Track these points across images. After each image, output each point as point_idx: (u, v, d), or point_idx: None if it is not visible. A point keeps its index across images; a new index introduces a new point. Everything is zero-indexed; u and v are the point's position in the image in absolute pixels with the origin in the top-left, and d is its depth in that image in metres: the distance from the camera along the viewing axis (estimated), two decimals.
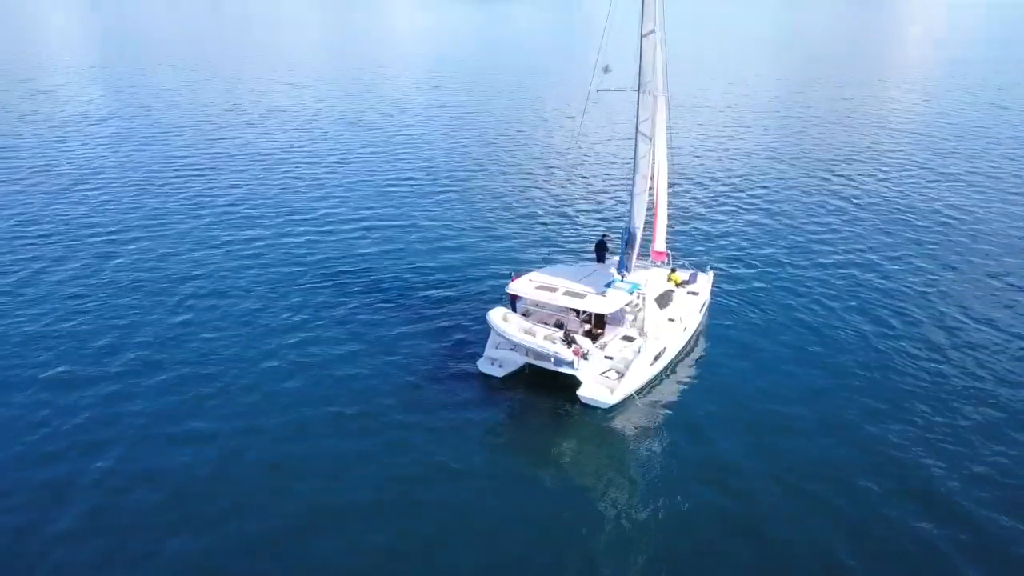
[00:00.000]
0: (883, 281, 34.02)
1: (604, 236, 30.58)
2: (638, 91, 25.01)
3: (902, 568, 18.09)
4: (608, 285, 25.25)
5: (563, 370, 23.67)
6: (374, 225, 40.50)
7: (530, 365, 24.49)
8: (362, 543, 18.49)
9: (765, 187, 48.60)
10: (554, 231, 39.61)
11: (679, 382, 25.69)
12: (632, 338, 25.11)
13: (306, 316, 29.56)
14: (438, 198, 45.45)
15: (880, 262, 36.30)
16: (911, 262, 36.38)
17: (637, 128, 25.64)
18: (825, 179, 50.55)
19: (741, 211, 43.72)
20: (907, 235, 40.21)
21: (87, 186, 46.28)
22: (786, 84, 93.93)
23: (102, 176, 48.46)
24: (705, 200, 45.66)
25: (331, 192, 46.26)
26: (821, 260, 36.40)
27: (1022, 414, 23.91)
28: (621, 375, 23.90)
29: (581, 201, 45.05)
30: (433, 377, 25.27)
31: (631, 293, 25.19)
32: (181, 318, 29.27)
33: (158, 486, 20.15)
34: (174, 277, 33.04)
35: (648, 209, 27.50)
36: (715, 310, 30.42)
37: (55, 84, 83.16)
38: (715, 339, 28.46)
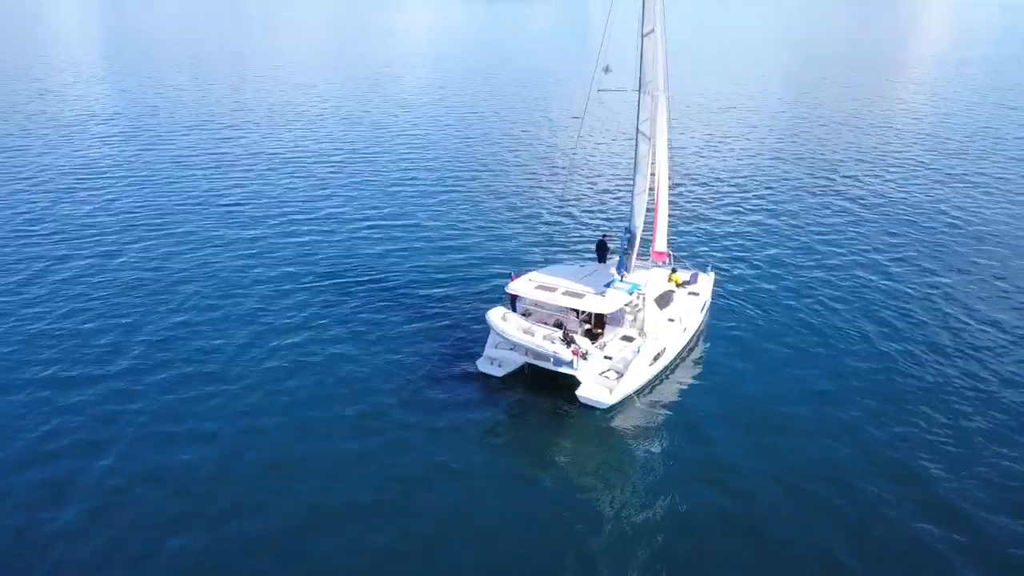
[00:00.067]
0: (888, 282, 33.90)
1: (604, 236, 30.55)
2: (638, 91, 24.99)
3: (902, 569, 18.04)
4: (608, 285, 25.23)
5: (562, 370, 23.66)
6: (378, 224, 40.56)
7: (529, 365, 24.49)
8: (362, 543, 18.51)
9: (770, 187, 48.50)
10: (556, 231, 39.60)
11: (679, 382, 25.65)
12: (632, 338, 25.09)
13: (308, 315, 29.63)
14: (442, 198, 45.50)
15: (885, 263, 36.16)
16: (916, 263, 36.23)
17: (638, 128, 25.62)
18: (830, 179, 50.41)
19: (745, 211, 43.64)
20: (913, 236, 40.04)
21: (92, 185, 46.47)
22: (792, 84, 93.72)
23: (107, 175, 48.66)
24: (709, 200, 45.58)
25: (336, 191, 46.35)
26: (825, 261, 36.28)
27: None
28: (620, 375, 23.88)
29: (583, 201, 45.03)
30: (433, 377, 25.29)
31: (631, 293, 25.17)
32: (183, 317, 29.36)
33: (158, 485, 20.21)
34: (177, 276, 33.16)
35: (649, 209, 27.48)
36: (717, 311, 30.37)
37: (62, 84, 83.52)
38: (716, 339, 28.41)
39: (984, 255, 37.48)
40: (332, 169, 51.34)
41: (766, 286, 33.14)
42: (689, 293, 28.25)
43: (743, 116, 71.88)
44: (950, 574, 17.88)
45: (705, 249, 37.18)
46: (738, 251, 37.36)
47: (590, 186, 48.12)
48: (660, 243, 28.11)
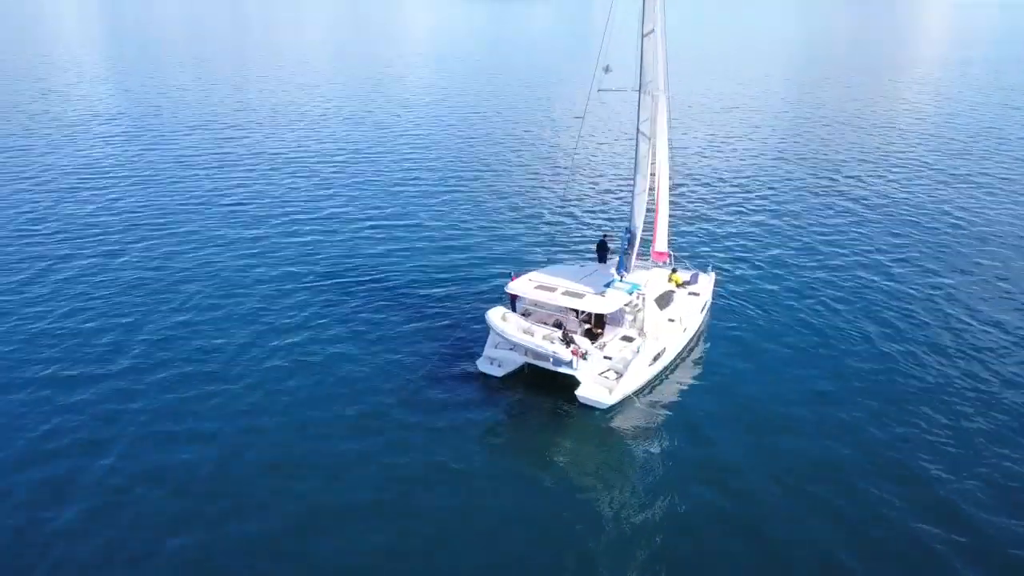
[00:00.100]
0: (890, 283, 33.82)
1: (605, 236, 30.54)
2: (639, 91, 24.98)
3: (902, 570, 18.00)
4: (608, 285, 25.22)
5: (562, 370, 23.65)
6: (380, 224, 40.59)
7: (529, 365, 24.49)
8: (362, 543, 18.51)
9: (772, 188, 48.43)
10: (558, 231, 39.60)
11: (679, 382, 25.63)
12: (631, 338, 25.07)
13: (309, 315, 29.66)
14: (444, 197, 45.53)
15: (888, 264, 36.07)
16: (919, 264, 36.13)
17: (638, 128, 25.61)
18: (833, 180, 50.32)
19: (747, 212, 43.59)
20: (915, 237, 39.94)
21: (95, 185, 46.58)
22: (794, 84, 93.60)
23: (110, 175, 48.76)
24: (711, 200, 45.53)
25: (338, 191, 46.41)
26: (827, 261, 36.20)
27: None
28: (620, 375, 23.87)
29: (585, 201, 45.02)
30: (433, 377, 25.29)
31: (630, 293, 25.15)
32: (184, 316, 29.41)
33: (159, 484, 20.23)
34: (179, 276, 33.21)
35: (649, 209, 27.46)
36: (719, 311, 30.34)
37: (66, 83, 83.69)
38: (717, 340, 28.38)
39: (987, 256, 37.38)
40: (335, 169, 51.40)
41: (768, 286, 33.10)
42: (689, 293, 28.21)
43: (746, 116, 71.81)
44: (950, 575, 17.84)
45: (707, 249, 37.14)
46: (740, 251, 37.32)
47: (592, 186, 48.11)
48: (660, 243, 28.09)
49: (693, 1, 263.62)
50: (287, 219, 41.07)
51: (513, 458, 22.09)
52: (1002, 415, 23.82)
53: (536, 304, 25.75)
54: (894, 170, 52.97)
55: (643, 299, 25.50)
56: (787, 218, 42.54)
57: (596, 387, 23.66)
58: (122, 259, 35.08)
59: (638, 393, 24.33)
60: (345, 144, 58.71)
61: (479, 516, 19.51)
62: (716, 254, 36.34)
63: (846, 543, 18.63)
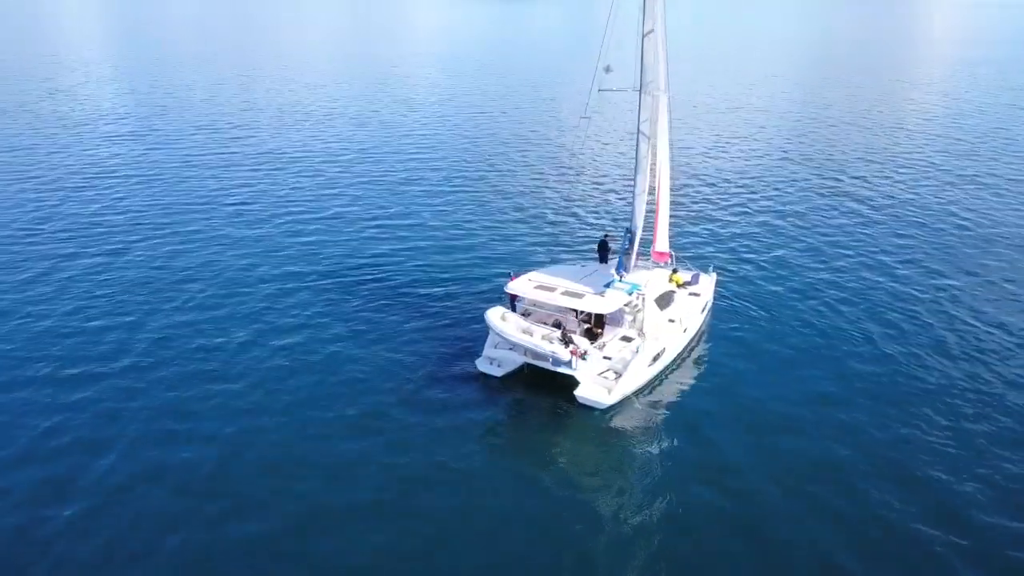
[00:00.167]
0: (895, 284, 33.67)
1: (606, 236, 30.52)
2: (639, 91, 24.97)
3: (902, 571, 17.97)
4: (607, 285, 25.21)
5: (561, 370, 23.66)
6: (384, 224, 40.65)
7: (529, 365, 24.50)
8: (362, 543, 18.55)
9: (777, 188, 48.30)
10: (561, 231, 39.61)
11: (679, 383, 25.61)
12: (631, 339, 25.05)
13: (311, 315, 29.73)
14: (448, 197, 45.58)
15: (893, 265, 35.91)
16: (924, 265, 35.94)
17: (638, 128, 25.60)
18: (838, 180, 50.14)
19: (751, 212, 43.47)
20: (921, 238, 39.74)
21: (100, 184, 46.77)
22: (800, 84, 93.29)
23: (115, 174, 48.95)
24: (716, 201, 45.44)
25: (343, 191, 46.50)
26: (832, 263, 36.04)
27: None
28: (619, 376, 23.86)
29: (588, 201, 45.00)
30: (433, 377, 25.33)
31: (630, 294, 25.13)
32: (187, 316, 29.51)
33: (159, 483, 20.32)
34: (182, 275, 33.34)
35: (651, 210, 27.43)
36: (721, 312, 30.28)
37: (72, 83, 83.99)
38: (718, 340, 28.33)
39: (993, 257, 37.17)
40: (340, 169, 51.50)
41: (771, 287, 33.00)
42: (690, 294, 28.17)
43: (751, 116, 71.63)
44: None
45: (711, 250, 37.07)
46: (744, 252, 37.22)
47: (595, 186, 48.09)
48: (661, 243, 28.03)
49: (697, 1, 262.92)
50: (291, 219, 41.18)
51: (513, 458, 22.12)
52: (1004, 417, 23.71)
53: (535, 304, 25.75)
54: (900, 171, 52.74)
55: (643, 299, 25.48)
56: (791, 219, 42.43)
57: (595, 387, 23.66)
58: (126, 258, 35.24)
59: (638, 393, 24.32)
60: (350, 144, 58.81)
61: (479, 516, 19.54)
62: (719, 255, 36.27)
63: (846, 544, 18.61)
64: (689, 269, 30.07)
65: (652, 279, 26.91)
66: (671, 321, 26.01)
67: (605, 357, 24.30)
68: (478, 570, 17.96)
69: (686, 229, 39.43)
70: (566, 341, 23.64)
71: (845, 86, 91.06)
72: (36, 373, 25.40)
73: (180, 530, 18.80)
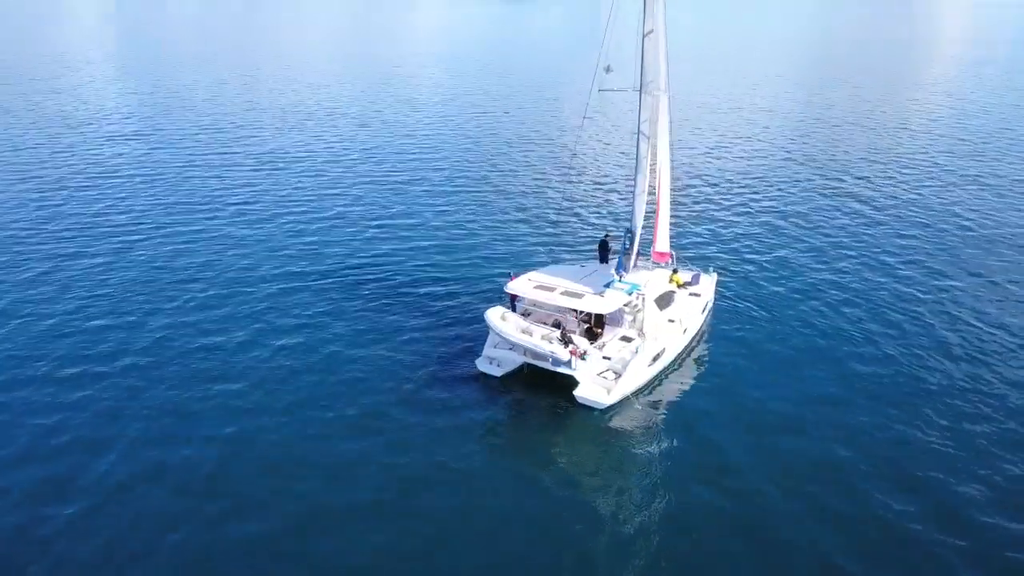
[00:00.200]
0: (897, 285, 33.58)
1: (607, 235, 30.52)
2: (639, 91, 24.97)
3: (901, 572, 17.95)
4: (607, 285, 25.21)
5: (560, 370, 23.67)
6: (386, 224, 40.69)
7: (528, 365, 24.51)
8: (362, 543, 18.57)
9: (780, 188, 48.23)
10: (563, 231, 39.62)
11: (679, 383, 25.60)
12: (631, 339, 25.05)
13: (312, 315, 29.77)
14: (450, 197, 45.62)
15: (896, 266, 35.81)
16: (928, 266, 35.84)
17: (639, 128, 25.60)
18: (841, 181, 50.03)
19: (754, 212, 43.41)
20: (925, 238, 39.63)
21: (103, 183, 46.87)
22: (803, 84, 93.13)
23: (118, 174, 49.04)
24: (719, 201, 45.39)
25: (345, 191, 46.56)
26: (835, 263, 35.95)
27: None
28: (619, 376, 23.86)
29: (591, 201, 45.02)
30: (434, 377, 25.35)
31: (630, 294, 25.12)
32: (189, 316, 29.55)
33: (160, 483, 20.35)
34: (185, 275, 33.41)
35: (651, 210, 27.41)
36: (722, 312, 30.24)
37: (76, 83, 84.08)
38: (718, 341, 28.31)
39: (996, 258, 37.05)
40: (342, 169, 51.57)
41: (773, 288, 32.94)
42: (690, 294, 28.14)
43: (753, 116, 71.54)
44: None
45: (712, 250, 37.03)
46: (746, 252, 37.17)
47: (597, 186, 48.11)
48: (661, 244, 27.97)
49: (699, 1, 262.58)
50: (293, 218, 41.25)
51: (513, 458, 22.13)
52: (1006, 418, 23.65)
53: (535, 304, 25.75)
54: (904, 171, 52.61)
55: (643, 299, 25.47)
56: (794, 219, 42.37)
57: (594, 387, 23.66)
58: (128, 257, 35.32)
59: (637, 393, 24.31)
60: (352, 144, 58.87)
61: (479, 516, 19.55)
62: (721, 255, 36.24)
63: (846, 544, 18.59)
64: (690, 269, 30.05)
65: (652, 279, 26.90)
66: (671, 321, 26.01)
67: (605, 357, 24.29)
68: (478, 570, 17.97)
69: (688, 229, 39.41)
70: (565, 341, 23.64)
71: (848, 86, 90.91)
72: (37, 372, 25.48)
73: (180, 530, 18.84)
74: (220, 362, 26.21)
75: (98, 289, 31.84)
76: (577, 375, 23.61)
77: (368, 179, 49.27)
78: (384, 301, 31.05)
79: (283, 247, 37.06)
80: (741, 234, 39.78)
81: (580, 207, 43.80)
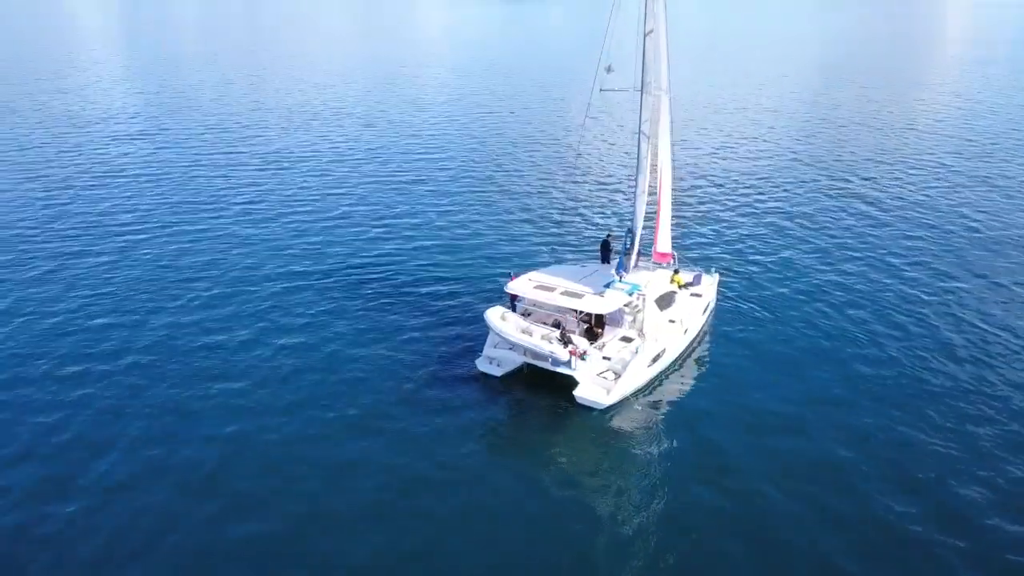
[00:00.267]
0: (903, 286, 33.39)
1: (609, 235, 30.50)
2: (640, 91, 24.94)
3: (902, 573, 17.89)
4: (607, 285, 25.18)
5: (560, 370, 23.66)
6: (390, 224, 40.73)
7: (528, 365, 24.51)
8: (362, 543, 18.59)
9: (786, 189, 48.03)
10: (567, 231, 39.60)
11: (680, 383, 25.55)
12: (631, 339, 25.02)
13: (314, 314, 29.83)
14: (454, 197, 45.65)
15: (902, 267, 35.58)
16: (934, 267, 35.59)
17: (640, 128, 25.58)
18: (848, 182, 49.77)
19: (759, 213, 43.23)
20: (931, 239, 39.35)
21: (109, 183, 47.10)
22: (810, 84, 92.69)
23: (124, 174, 49.27)
24: (723, 201, 45.22)
25: (350, 191, 46.64)
26: (839, 264, 35.74)
27: None
28: (618, 376, 23.83)
29: (595, 201, 44.95)
30: (434, 376, 25.37)
31: (630, 294, 25.09)
32: (192, 315, 29.66)
33: (159, 483, 20.41)
34: (188, 274, 33.55)
35: (652, 210, 27.35)
36: (725, 313, 30.14)
37: (82, 83, 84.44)
38: (720, 341, 28.23)
39: (1004, 259, 36.71)
40: (347, 168, 51.66)
41: (776, 288, 32.79)
42: (692, 295, 28.09)
43: (760, 116, 71.25)
44: None
45: (716, 250, 36.91)
46: (751, 253, 37.01)
47: (601, 186, 48.06)
48: (662, 244, 27.89)
49: (701, 1, 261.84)
50: (297, 218, 41.36)
51: (513, 458, 22.13)
52: (1010, 421, 23.48)
53: (535, 304, 25.74)
54: (910, 172, 52.27)
55: (643, 300, 25.43)
56: (799, 220, 42.16)
57: (594, 387, 23.64)
58: (132, 257, 35.49)
59: (637, 394, 24.28)
60: (357, 144, 58.96)
61: (479, 516, 19.55)
62: (726, 256, 36.10)
63: (846, 545, 18.53)
64: (691, 270, 29.99)
65: (653, 280, 26.86)
66: (672, 322, 25.96)
67: (605, 357, 24.27)
68: (478, 570, 17.97)
69: (693, 230, 39.34)
70: (565, 341, 23.65)
71: (854, 86, 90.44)
72: (40, 370, 25.62)
73: (181, 528, 18.90)
74: (222, 361, 26.30)
75: (102, 287, 32.02)
76: (577, 375, 23.59)
77: (373, 179, 49.37)
78: (386, 300, 31.10)
79: (287, 246, 37.17)
80: (746, 235, 39.65)
81: (584, 207, 43.76)
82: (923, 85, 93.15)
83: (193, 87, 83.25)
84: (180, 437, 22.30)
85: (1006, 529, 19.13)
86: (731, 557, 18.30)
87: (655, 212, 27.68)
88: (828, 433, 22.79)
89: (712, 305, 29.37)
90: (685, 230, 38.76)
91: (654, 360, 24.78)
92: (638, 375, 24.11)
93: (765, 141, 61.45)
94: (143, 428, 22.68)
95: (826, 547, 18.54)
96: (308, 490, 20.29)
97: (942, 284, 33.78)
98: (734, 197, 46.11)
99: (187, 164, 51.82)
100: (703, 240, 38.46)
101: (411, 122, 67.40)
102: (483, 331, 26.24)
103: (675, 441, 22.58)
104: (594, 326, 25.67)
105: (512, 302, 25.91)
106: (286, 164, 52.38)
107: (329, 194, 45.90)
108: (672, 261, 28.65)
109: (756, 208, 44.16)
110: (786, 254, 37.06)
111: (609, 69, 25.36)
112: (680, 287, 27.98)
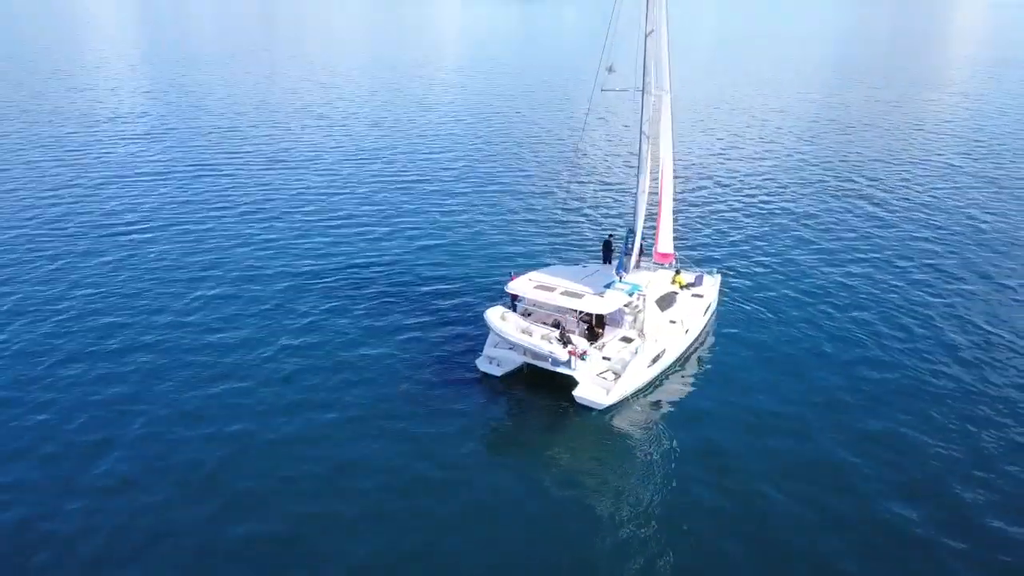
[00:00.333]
0: (908, 287, 33.23)
1: (611, 236, 30.46)
2: (642, 91, 24.93)
3: (902, 573, 17.83)
4: (608, 286, 25.15)
5: (560, 370, 23.66)
6: (395, 224, 40.82)
7: (528, 365, 24.51)
8: (362, 543, 18.63)
9: (792, 190, 47.84)
10: (572, 231, 39.59)
11: (680, 383, 25.52)
12: (631, 339, 24.99)
13: (317, 315, 29.89)
14: (460, 198, 45.68)
15: (909, 269, 35.42)
16: (941, 269, 35.42)
17: (641, 128, 25.56)
18: (855, 182, 49.56)
19: (765, 214, 43.06)
20: (938, 241, 39.17)
21: (117, 182, 47.32)
22: (817, 85, 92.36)
23: (132, 173, 49.47)
24: (728, 201, 45.10)
25: (356, 191, 46.76)
26: (844, 266, 35.61)
27: None
28: (618, 376, 23.80)
29: (599, 201, 44.92)
30: (435, 376, 25.41)
31: (630, 294, 25.05)
32: (196, 315, 29.77)
33: (158, 484, 20.48)
34: (192, 274, 33.67)
35: (654, 211, 27.29)
36: (727, 314, 30.06)
37: (91, 83, 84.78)
38: (721, 342, 28.16)
39: (1012, 261, 36.50)
40: (353, 168, 51.77)
41: (781, 290, 32.68)
42: (693, 295, 28.02)
43: (767, 117, 70.99)
44: None
45: (722, 251, 36.80)
46: (755, 254, 36.91)
47: (606, 186, 48.02)
48: (663, 244, 27.81)
49: (703, 1, 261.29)
50: (302, 218, 41.48)
51: (513, 458, 22.13)
52: (1014, 423, 23.36)
53: (535, 304, 25.74)
54: (919, 173, 51.97)
55: (643, 300, 25.39)
56: (805, 221, 41.99)
57: (593, 387, 23.62)
58: (139, 256, 35.65)
59: (637, 394, 24.25)
60: (363, 144, 59.05)
61: (479, 516, 19.57)
62: (731, 256, 36.01)
63: (846, 546, 18.50)
64: (693, 270, 29.93)
65: (654, 280, 26.81)
66: (672, 322, 25.91)
67: (604, 358, 24.25)
68: (478, 570, 17.98)
69: (697, 230, 39.27)
70: (565, 341, 23.64)
71: (862, 86, 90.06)
72: (41, 369, 25.75)
73: (181, 528, 18.98)
74: (224, 361, 26.38)
75: (107, 286, 32.18)
76: (576, 375, 23.59)
77: (378, 179, 49.47)
78: (388, 300, 31.16)
79: (292, 246, 37.28)
80: (751, 235, 39.53)
81: (588, 207, 43.73)
82: (932, 85, 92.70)
83: (201, 87, 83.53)
84: (181, 436, 22.39)
85: (1007, 531, 19.03)
86: (731, 557, 18.28)
87: (657, 212, 27.61)
88: (829, 434, 22.71)
89: (714, 306, 29.30)
90: (690, 230, 38.70)
91: (654, 360, 24.75)
92: (638, 375, 24.08)
93: (771, 141, 61.27)
94: (144, 427, 22.78)
95: (826, 548, 18.51)
96: (308, 490, 20.34)
97: (948, 286, 33.60)
98: (739, 198, 45.98)
99: (193, 164, 52.04)
100: (708, 241, 38.37)
101: (418, 122, 67.51)
102: (484, 331, 26.27)
103: (675, 441, 22.54)
104: (594, 326, 25.64)
105: (512, 302, 25.91)
106: (292, 164, 52.54)
107: (334, 194, 46.03)
108: (674, 262, 28.59)
109: (761, 209, 44.02)
110: (790, 255, 36.92)
111: (610, 69, 25.36)
112: (681, 288, 27.93)
